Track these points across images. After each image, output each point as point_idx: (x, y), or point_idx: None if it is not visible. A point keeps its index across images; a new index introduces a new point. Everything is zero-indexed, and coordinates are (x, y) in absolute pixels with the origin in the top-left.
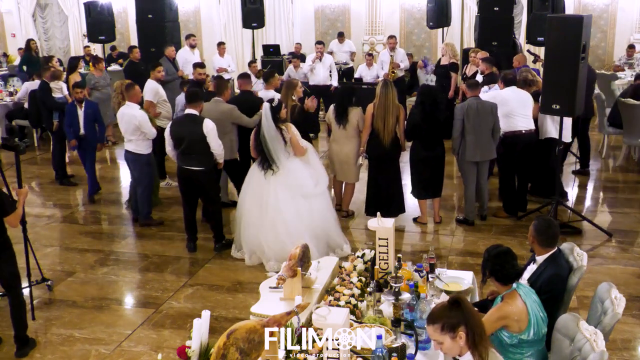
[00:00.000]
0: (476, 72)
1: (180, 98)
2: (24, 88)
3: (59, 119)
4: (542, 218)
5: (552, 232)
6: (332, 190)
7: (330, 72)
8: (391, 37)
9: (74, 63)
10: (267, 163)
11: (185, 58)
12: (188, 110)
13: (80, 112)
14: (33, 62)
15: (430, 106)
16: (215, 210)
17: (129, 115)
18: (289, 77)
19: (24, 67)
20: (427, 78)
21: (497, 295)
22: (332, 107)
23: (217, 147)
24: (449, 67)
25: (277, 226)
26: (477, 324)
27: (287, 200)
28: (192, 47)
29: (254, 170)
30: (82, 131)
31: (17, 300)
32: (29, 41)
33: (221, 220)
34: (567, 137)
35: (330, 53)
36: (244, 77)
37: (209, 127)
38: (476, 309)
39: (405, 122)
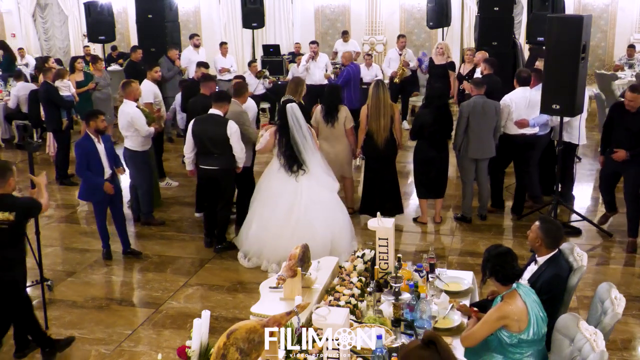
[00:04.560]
0: (471, 71)
1: (179, 97)
2: (14, 94)
3: (68, 117)
4: (547, 220)
5: (559, 234)
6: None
7: (326, 71)
8: (401, 36)
9: (72, 63)
10: (297, 165)
11: (189, 58)
12: (212, 110)
13: (100, 147)
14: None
15: (442, 107)
16: (225, 213)
17: (123, 112)
18: (293, 75)
19: None
20: (427, 78)
21: (497, 295)
22: (319, 107)
23: (239, 150)
24: (447, 66)
25: (316, 223)
26: None
27: (321, 197)
28: (196, 46)
29: (277, 177)
30: (107, 172)
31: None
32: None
33: (227, 223)
34: (582, 138)
35: (335, 53)
36: (206, 79)
37: (233, 130)
38: (477, 311)
39: (410, 122)
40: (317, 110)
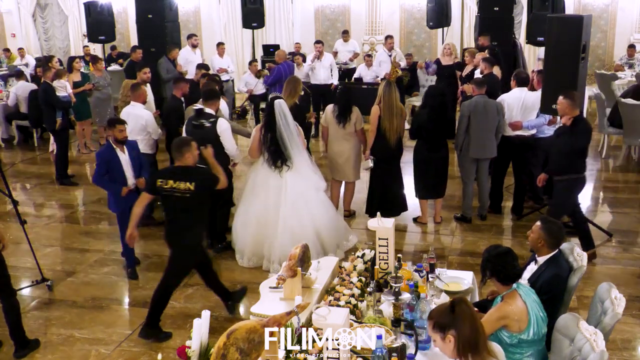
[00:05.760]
0: (471, 72)
1: None
2: (13, 93)
3: (62, 117)
4: (549, 220)
5: (561, 234)
6: (330, 192)
7: (331, 70)
8: (389, 37)
9: (70, 63)
10: (281, 160)
11: (187, 58)
12: (204, 109)
13: (124, 157)
14: None
15: (438, 108)
16: (224, 212)
17: (135, 116)
18: (292, 75)
19: None
20: (427, 78)
21: (497, 295)
22: (330, 107)
23: (230, 147)
24: (455, 67)
25: (301, 220)
26: (467, 332)
27: (305, 194)
28: (194, 47)
29: (261, 172)
30: (130, 182)
31: (9, 304)
32: None
33: (227, 222)
34: None
35: (335, 53)
36: (177, 81)
37: (223, 127)
38: (477, 311)
39: (409, 122)
40: (329, 110)
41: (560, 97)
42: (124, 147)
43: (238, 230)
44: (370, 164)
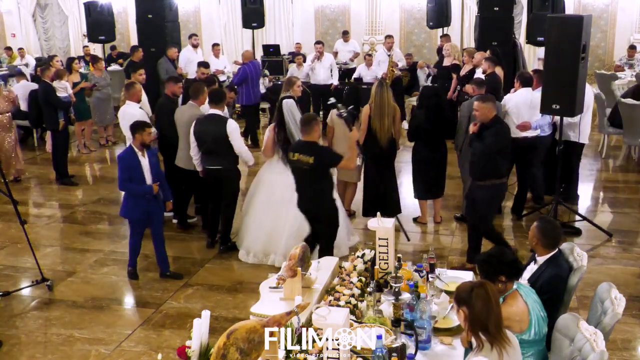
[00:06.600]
0: (470, 72)
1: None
2: (14, 93)
3: (65, 117)
4: (545, 220)
5: (556, 234)
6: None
7: (331, 71)
8: (389, 36)
9: (69, 64)
10: None
11: (188, 57)
12: (212, 110)
13: (144, 162)
14: None
15: (434, 107)
16: (229, 212)
17: (130, 114)
18: (289, 75)
19: None
20: (427, 79)
21: (498, 296)
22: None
23: (240, 147)
24: (450, 69)
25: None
26: (477, 311)
27: None
28: (195, 46)
29: (272, 169)
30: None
31: None
32: None
33: (231, 223)
34: (584, 137)
35: (335, 53)
36: (168, 81)
37: (232, 127)
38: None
39: (408, 122)
40: (335, 110)
41: (478, 102)
42: (145, 152)
43: (250, 228)
44: (359, 162)
